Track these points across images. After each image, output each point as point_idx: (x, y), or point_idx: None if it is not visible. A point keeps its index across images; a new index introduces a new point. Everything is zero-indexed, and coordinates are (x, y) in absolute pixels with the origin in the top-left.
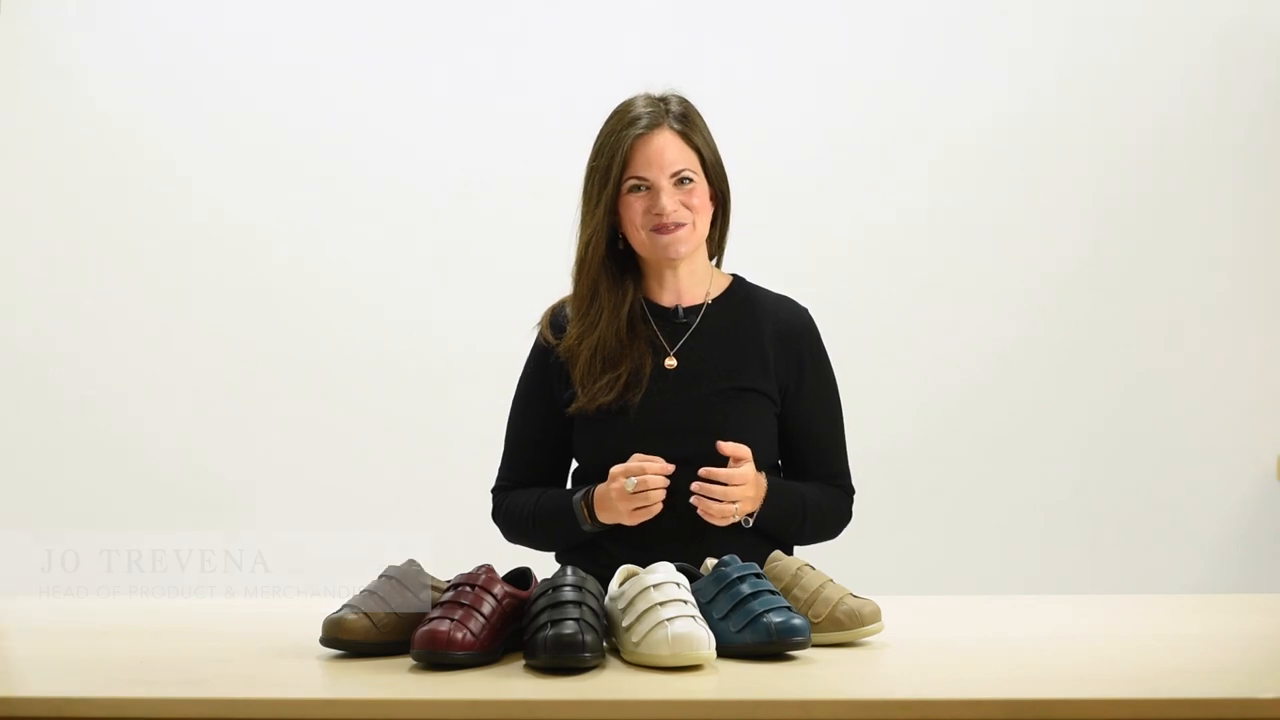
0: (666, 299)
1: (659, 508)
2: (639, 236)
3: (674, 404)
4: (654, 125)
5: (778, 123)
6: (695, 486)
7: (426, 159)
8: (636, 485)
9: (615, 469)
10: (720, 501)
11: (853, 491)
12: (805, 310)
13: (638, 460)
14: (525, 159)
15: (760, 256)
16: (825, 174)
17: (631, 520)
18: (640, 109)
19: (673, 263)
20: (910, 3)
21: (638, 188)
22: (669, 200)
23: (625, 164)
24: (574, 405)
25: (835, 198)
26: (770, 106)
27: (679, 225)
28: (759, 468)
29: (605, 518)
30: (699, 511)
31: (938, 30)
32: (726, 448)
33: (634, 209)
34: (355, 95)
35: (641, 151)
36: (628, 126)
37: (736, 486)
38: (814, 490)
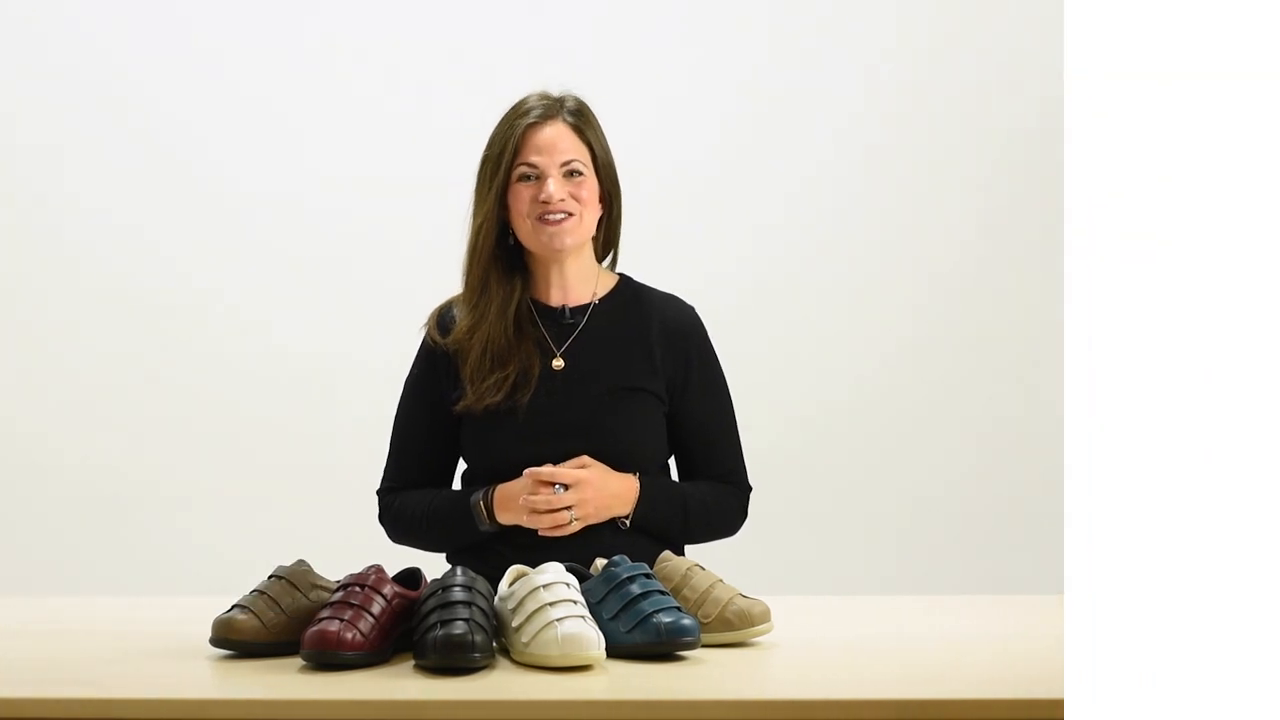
0: (553, 298)
1: (573, 528)
2: (525, 226)
3: (562, 405)
4: (547, 117)
5: (669, 124)
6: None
7: (305, 162)
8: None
9: (531, 470)
10: (551, 512)
11: (748, 489)
12: (692, 309)
13: (561, 474)
14: (407, 162)
15: (653, 258)
16: (715, 175)
17: (533, 524)
18: (535, 102)
19: (558, 255)
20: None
21: (527, 176)
22: (557, 188)
23: (516, 151)
24: (462, 403)
25: (727, 199)
26: (662, 108)
27: (566, 215)
28: (647, 468)
29: (505, 518)
30: (524, 520)
31: (821, 28)
32: (548, 473)
33: (522, 197)
34: (237, 98)
35: (532, 139)
36: (521, 117)
37: (570, 494)
38: (699, 489)
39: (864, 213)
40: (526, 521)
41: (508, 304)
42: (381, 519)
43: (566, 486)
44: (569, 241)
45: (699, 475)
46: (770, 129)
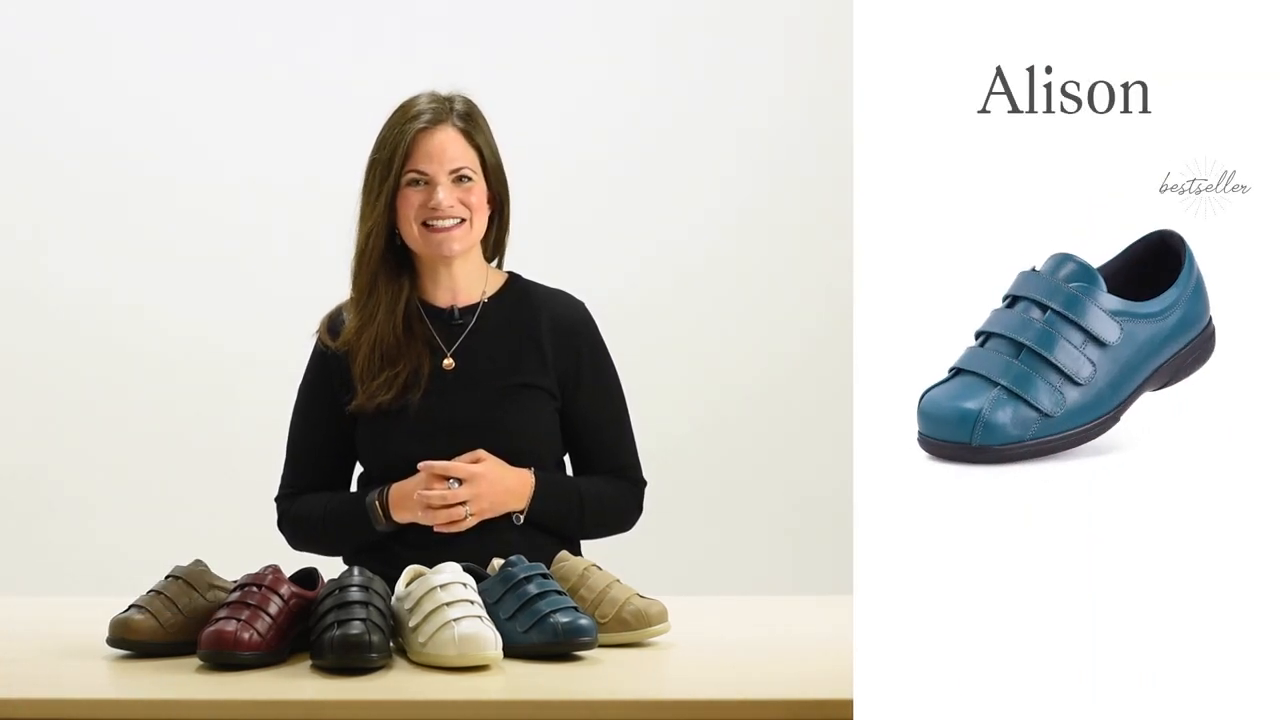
0: (442, 299)
1: (468, 523)
2: (412, 231)
3: (453, 404)
4: (437, 121)
5: (564, 124)
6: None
7: (205, 160)
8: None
9: (426, 464)
10: (447, 507)
11: (643, 483)
12: (582, 304)
13: (455, 469)
14: (309, 163)
15: (547, 257)
16: (614, 175)
17: (428, 520)
18: (424, 105)
19: (446, 260)
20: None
21: (416, 182)
22: (446, 195)
23: (406, 157)
24: (354, 403)
25: (623, 199)
26: (556, 108)
27: (455, 222)
28: (542, 464)
29: (401, 516)
30: (420, 516)
31: (726, 31)
32: (441, 467)
33: (410, 202)
34: (130, 94)
35: (422, 146)
36: (410, 121)
37: (465, 489)
38: (594, 483)
39: (761, 216)
40: (422, 518)
41: (395, 304)
42: (280, 525)
43: (461, 481)
44: (458, 248)
45: (593, 470)
46: (672, 130)
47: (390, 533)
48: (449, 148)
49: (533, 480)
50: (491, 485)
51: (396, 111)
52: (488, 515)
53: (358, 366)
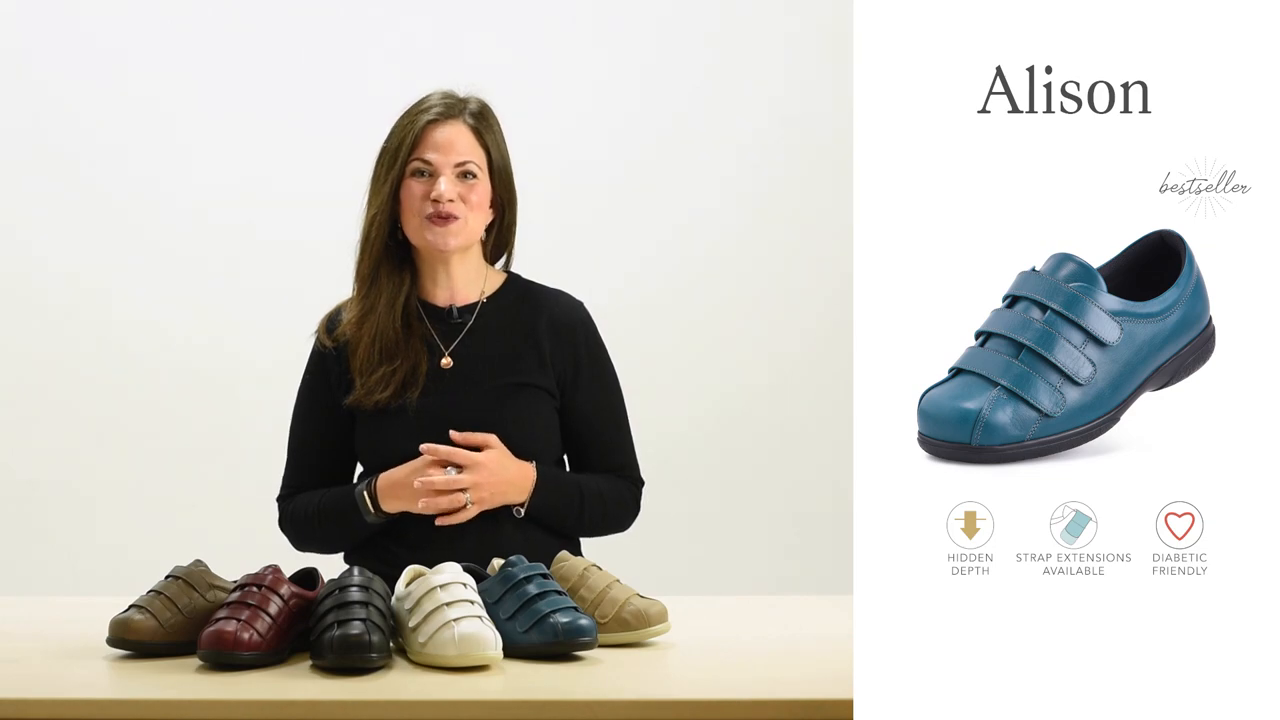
0: (440, 297)
1: (469, 512)
2: (413, 223)
3: (452, 403)
4: (448, 115)
5: (568, 125)
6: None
7: (208, 164)
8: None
9: (428, 447)
10: (448, 493)
11: (640, 482)
12: (580, 304)
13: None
14: (310, 166)
15: (547, 257)
16: (615, 176)
17: (428, 508)
18: (437, 100)
19: (443, 255)
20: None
21: (421, 172)
22: (449, 187)
23: (413, 146)
24: (351, 397)
25: (623, 200)
26: (560, 108)
27: (452, 217)
28: (541, 461)
29: (392, 506)
30: (420, 506)
31: (726, 32)
32: (459, 437)
33: (413, 192)
34: (132, 99)
35: (430, 136)
36: (422, 112)
37: (466, 476)
38: (595, 480)
39: (761, 216)
40: (422, 507)
41: (396, 297)
42: (281, 525)
43: (461, 469)
44: (453, 243)
45: (591, 469)
46: (672, 131)
47: (389, 532)
48: (457, 141)
49: (534, 473)
50: (493, 474)
51: (411, 105)
52: (488, 505)
53: (357, 359)
